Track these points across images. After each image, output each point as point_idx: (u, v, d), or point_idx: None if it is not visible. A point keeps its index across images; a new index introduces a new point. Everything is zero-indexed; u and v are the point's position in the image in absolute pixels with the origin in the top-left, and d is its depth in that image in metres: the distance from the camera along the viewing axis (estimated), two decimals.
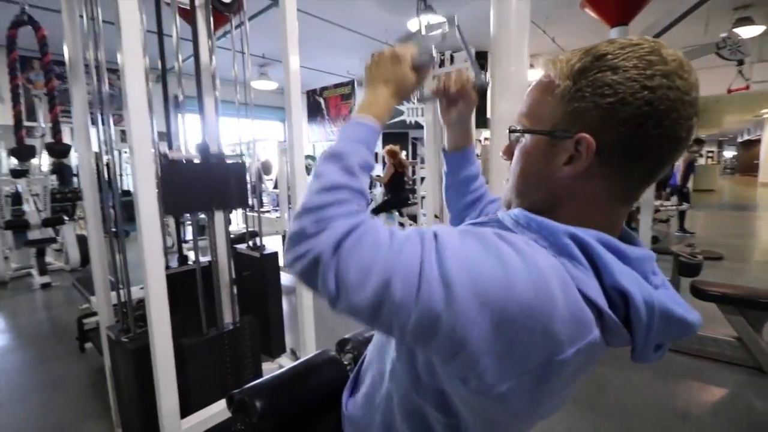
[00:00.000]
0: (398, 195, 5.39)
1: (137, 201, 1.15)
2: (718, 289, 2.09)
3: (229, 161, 1.54)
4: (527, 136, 0.49)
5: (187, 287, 1.61)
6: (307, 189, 0.46)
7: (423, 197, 3.87)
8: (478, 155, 1.29)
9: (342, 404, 0.72)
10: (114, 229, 1.45)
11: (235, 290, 1.86)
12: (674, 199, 6.45)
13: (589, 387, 1.94)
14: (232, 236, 3.05)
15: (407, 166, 5.60)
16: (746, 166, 17.59)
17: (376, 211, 5.29)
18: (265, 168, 7.36)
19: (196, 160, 1.43)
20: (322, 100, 9.74)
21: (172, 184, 1.36)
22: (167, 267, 1.78)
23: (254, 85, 7.43)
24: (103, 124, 1.42)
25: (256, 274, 1.99)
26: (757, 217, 7.41)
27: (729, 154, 24.88)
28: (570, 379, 0.44)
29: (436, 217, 2.90)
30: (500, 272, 0.37)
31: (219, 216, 1.78)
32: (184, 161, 1.39)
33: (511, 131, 0.51)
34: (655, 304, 0.40)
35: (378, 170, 6.16)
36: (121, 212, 1.42)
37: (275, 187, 7.10)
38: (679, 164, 5.37)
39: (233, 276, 1.88)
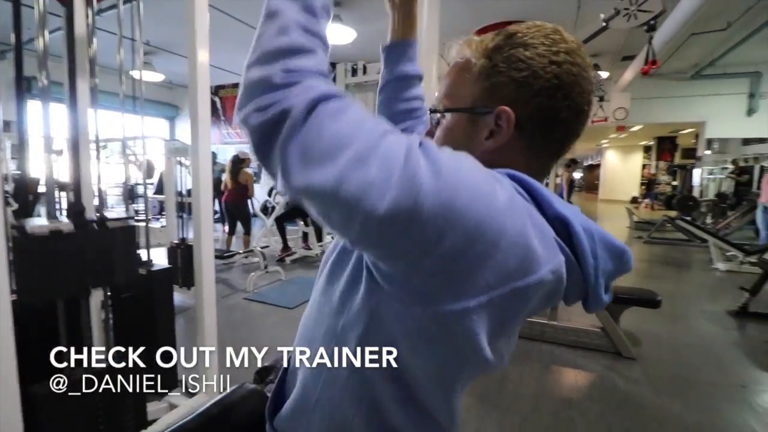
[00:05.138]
0: None
1: None
2: None
3: (113, 226, 1.21)
4: (448, 115, 0.49)
5: (46, 317, 1.27)
6: (257, 31, 0.38)
7: None
8: None
9: None
10: None
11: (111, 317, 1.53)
12: None
13: (492, 384, 2.10)
14: None
15: None
16: (590, 186, 21.65)
17: (280, 219, 5.01)
18: (147, 170, 6.43)
19: (67, 230, 1.09)
20: (218, 99, 8.99)
21: (31, 267, 1.03)
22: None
23: (135, 75, 6.49)
24: None
25: (142, 294, 1.67)
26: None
27: (577, 175, 30.59)
28: (523, 318, 0.42)
29: None
30: (484, 179, 0.36)
31: None
32: (49, 234, 1.03)
33: (432, 111, 0.52)
34: (593, 230, 0.42)
35: None
36: None
37: (157, 192, 6.23)
38: (563, 183, 6.37)
39: (108, 300, 1.55)
